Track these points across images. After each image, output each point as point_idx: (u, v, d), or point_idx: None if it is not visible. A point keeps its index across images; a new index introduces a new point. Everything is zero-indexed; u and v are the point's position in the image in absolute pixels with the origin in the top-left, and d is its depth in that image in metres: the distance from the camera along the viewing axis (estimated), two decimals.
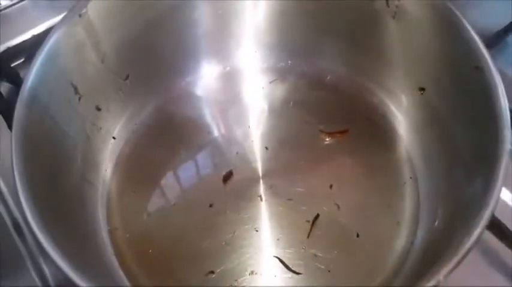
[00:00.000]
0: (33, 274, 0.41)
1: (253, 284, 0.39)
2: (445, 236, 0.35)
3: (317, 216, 0.42)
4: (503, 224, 0.40)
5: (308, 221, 0.42)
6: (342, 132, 0.47)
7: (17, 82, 0.49)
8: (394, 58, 0.46)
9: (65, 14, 0.41)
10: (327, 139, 0.46)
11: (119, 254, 0.41)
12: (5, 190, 0.45)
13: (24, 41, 0.53)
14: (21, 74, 0.50)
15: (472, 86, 0.37)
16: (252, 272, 0.40)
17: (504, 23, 0.51)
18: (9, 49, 0.53)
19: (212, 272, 0.40)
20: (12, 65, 0.52)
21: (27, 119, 0.36)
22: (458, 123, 0.39)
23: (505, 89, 0.34)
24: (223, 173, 0.45)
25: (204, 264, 0.40)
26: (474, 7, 0.55)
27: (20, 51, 0.52)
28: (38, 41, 0.50)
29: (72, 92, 0.41)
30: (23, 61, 0.52)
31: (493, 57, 0.37)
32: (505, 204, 0.43)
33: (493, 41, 0.51)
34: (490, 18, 0.53)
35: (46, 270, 0.41)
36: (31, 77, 0.37)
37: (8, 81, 0.50)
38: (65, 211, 0.38)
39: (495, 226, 0.39)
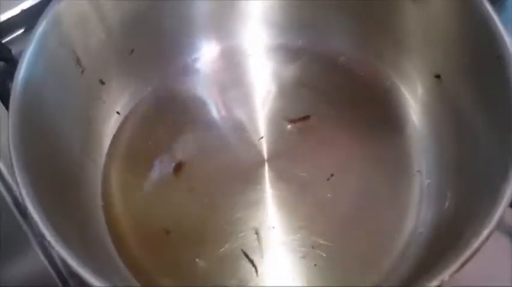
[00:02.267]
0: (39, 252, 0.41)
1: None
2: (455, 221, 0.35)
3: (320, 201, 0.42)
4: None
5: (313, 205, 0.41)
6: (303, 118, 0.46)
7: (8, 58, 0.48)
8: (411, 42, 0.44)
9: None
10: (289, 126, 0.45)
11: (113, 230, 0.41)
12: (4, 170, 0.44)
13: (13, 16, 0.52)
14: (13, 50, 0.48)
15: (492, 75, 0.36)
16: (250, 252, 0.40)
17: None
18: None
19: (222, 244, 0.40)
20: (3, 41, 0.50)
21: (24, 95, 0.36)
22: (473, 111, 0.38)
23: None
24: (227, 154, 0.44)
25: (203, 243, 0.40)
26: None
27: (10, 26, 0.51)
28: (27, 16, 0.50)
29: (74, 65, 0.41)
30: (14, 37, 0.51)
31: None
32: None
33: None
34: None
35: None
36: (30, 49, 0.37)
37: (0, 58, 0.49)
38: (62, 185, 0.38)
39: None
